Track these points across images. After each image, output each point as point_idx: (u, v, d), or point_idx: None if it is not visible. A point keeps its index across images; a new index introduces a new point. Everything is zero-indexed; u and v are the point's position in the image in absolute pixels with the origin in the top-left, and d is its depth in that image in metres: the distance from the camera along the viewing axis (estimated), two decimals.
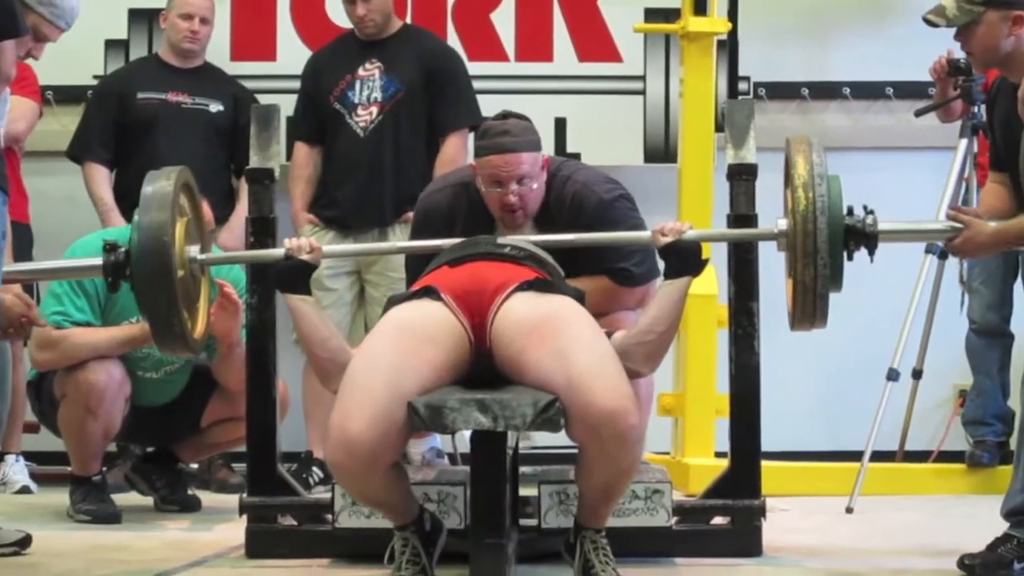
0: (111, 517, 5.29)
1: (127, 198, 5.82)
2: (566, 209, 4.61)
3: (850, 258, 4.14)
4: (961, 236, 4.23)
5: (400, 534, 4.04)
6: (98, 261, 4.30)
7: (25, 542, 4.61)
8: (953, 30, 4.53)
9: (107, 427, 5.24)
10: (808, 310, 4.10)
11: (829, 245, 4.03)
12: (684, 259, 4.16)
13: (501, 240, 4.35)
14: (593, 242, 4.50)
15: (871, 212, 4.16)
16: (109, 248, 4.29)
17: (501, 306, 4.01)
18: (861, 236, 4.14)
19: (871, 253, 4.16)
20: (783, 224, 4.18)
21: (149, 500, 5.62)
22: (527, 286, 4.06)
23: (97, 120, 6.33)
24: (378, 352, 3.92)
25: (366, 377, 3.84)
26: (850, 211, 4.14)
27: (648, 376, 4.77)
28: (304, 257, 4.19)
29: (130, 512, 5.40)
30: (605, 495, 3.95)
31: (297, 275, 4.18)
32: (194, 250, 4.33)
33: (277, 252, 4.28)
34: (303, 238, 4.26)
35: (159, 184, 4.23)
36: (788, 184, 4.19)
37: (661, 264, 4.27)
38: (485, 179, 4.57)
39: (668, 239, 4.17)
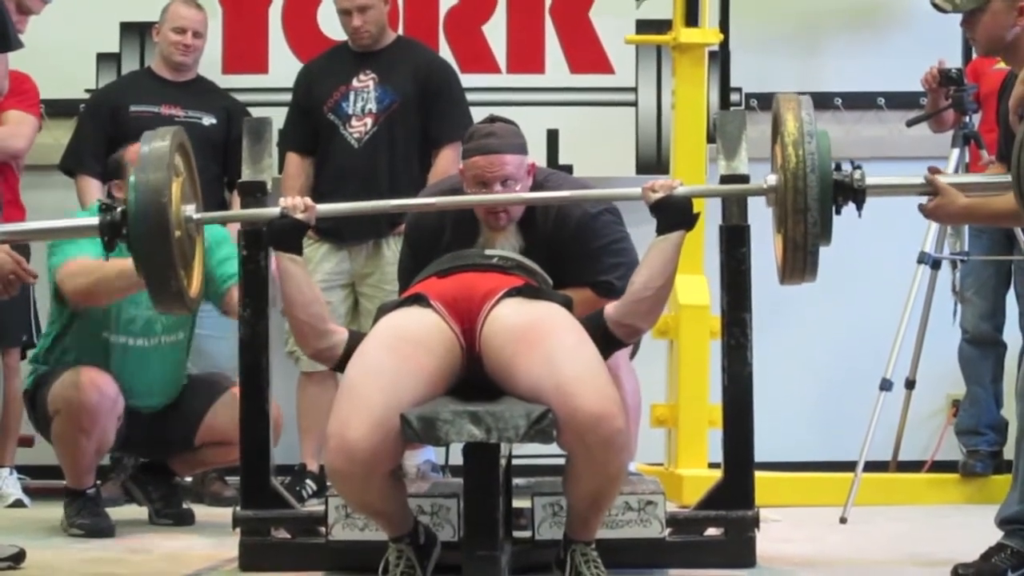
0: (105, 531, 5.28)
1: None
2: (551, 220, 4.63)
3: (838, 212, 4.16)
4: (934, 202, 4.25)
5: (395, 546, 4.04)
6: (94, 220, 4.23)
7: (19, 557, 4.60)
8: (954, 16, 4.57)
9: (100, 444, 5.23)
10: (799, 265, 4.12)
11: (819, 202, 4.05)
12: (677, 212, 4.20)
13: (489, 252, 4.38)
14: (583, 198, 4.57)
15: (858, 167, 4.19)
16: (105, 208, 4.22)
17: (490, 312, 4.04)
18: (849, 191, 4.16)
19: (859, 208, 4.18)
20: (772, 180, 4.20)
21: (143, 514, 5.62)
22: (515, 292, 4.09)
23: (90, 133, 6.32)
24: (374, 360, 3.94)
25: (363, 385, 3.86)
26: (838, 166, 4.16)
27: (635, 382, 4.81)
28: (299, 216, 4.23)
29: (124, 526, 5.39)
30: (594, 504, 3.96)
31: (290, 234, 4.22)
32: (190, 209, 4.30)
33: (273, 211, 4.30)
34: (298, 197, 4.28)
35: (155, 144, 4.19)
36: (777, 140, 4.19)
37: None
38: (470, 180, 4.58)
39: (659, 195, 4.20)
